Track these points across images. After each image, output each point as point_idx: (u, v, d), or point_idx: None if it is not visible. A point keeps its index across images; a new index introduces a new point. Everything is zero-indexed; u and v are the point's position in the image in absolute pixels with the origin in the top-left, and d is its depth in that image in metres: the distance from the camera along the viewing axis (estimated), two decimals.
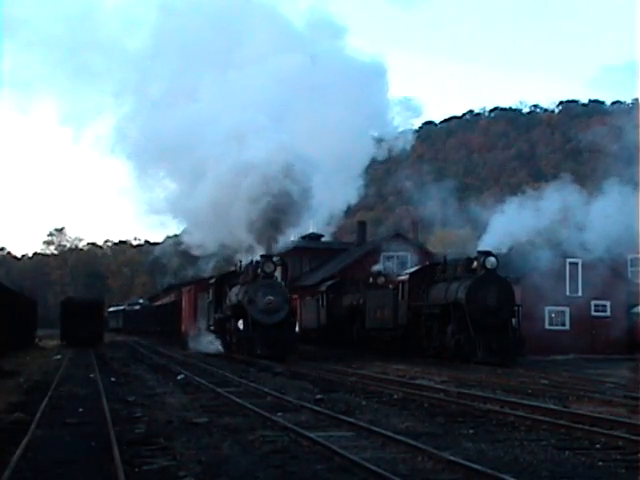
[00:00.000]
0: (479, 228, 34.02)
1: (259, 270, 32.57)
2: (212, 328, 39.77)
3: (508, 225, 31.55)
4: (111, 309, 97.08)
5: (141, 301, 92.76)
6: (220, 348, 36.97)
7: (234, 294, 34.63)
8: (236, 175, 33.19)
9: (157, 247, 48.21)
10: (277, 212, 32.48)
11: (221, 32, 38.47)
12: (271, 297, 31.74)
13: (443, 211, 45.45)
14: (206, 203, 35.46)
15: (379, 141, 40.73)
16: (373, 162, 42.84)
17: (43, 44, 40.92)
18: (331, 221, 42.82)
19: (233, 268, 38.79)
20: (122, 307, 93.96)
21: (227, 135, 34.34)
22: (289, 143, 33.16)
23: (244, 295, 32.64)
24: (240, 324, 32.68)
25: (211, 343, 38.40)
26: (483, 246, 31.32)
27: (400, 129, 42.65)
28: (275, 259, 33.22)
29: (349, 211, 50.18)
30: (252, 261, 33.78)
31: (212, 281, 40.86)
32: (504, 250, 32.26)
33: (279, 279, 33.60)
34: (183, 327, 51.69)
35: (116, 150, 41.99)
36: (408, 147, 43.41)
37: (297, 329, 33.64)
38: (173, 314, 56.52)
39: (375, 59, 43.49)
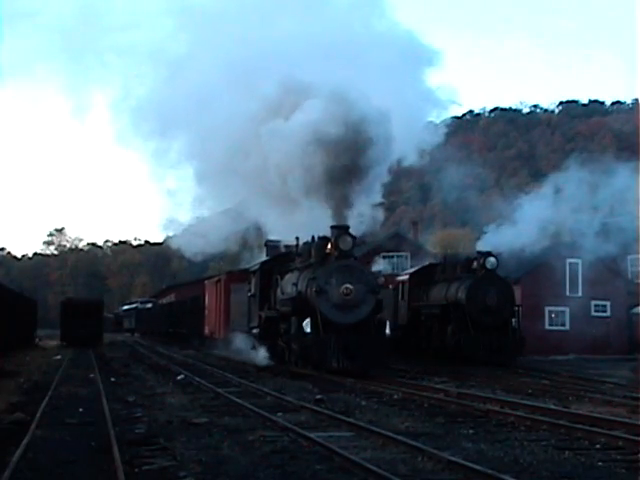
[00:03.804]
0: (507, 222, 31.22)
1: (329, 248, 24.00)
2: (255, 330, 29.50)
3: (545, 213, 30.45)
4: (125, 307, 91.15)
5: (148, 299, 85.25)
6: (266, 357, 27.40)
7: (290, 283, 25.39)
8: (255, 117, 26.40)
9: (173, 240, 42.90)
10: (351, 160, 23.53)
11: None
12: (349, 285, 23.04)
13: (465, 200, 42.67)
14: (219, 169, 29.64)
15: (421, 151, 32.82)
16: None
17: (43, 22, 37.96)
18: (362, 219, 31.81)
19: (283, 249, 30.55)
20: (135, 305, 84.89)
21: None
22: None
23: (309, 283, 23.80)
24: (306, 325, 23.33)
25: (254, 350, 28.79)
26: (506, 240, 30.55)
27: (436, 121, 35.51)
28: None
29: None
30: (313, 238, 25.26)
31: (255, 267, 30.74)
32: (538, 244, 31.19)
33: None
34: (207, 329, 43.21)
35: (128, 128, 35.21)
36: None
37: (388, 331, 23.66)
38: (194, 313, 48.27)
39: (431, 44, 36.70)
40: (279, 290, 26.79)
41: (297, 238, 26.70)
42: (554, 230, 31.84)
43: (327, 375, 22.09)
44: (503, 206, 34.49)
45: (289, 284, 25.51)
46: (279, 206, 29.32)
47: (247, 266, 34.27)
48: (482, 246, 31.31)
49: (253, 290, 30.32)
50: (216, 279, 43.09)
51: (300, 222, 27.39)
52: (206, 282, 47.25)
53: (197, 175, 34.49)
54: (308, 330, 23.21)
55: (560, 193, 31.80)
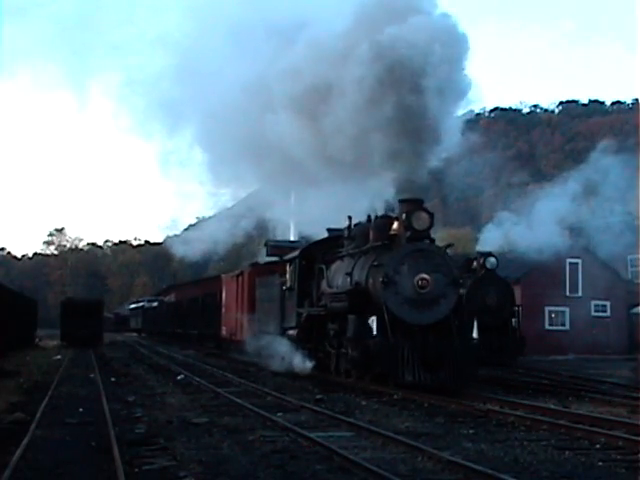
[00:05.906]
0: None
1: (395, 227, 19.06)
2: (292, 332, 24.30)
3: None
4: (131, 306, 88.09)
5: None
6: (307, 365, 22.70)
7: (341, 273, 20.82)
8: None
9: (178, 238, 41.05)
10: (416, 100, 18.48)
11: None
12: (425, 275, 18.18)
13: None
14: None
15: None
16: None
17: (44, 15, 36.66)
18: None
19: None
20: (142, 304, 79.44)
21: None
22: None
23: (370, 272, 19.10)
24: (372, 324, 18.33)
25: (294, 357, 23.34)
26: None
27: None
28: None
29: None
30: (370, 217, 20.74)
31: (292, 255, 25.32)
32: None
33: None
34: (224, 329, 38.58)
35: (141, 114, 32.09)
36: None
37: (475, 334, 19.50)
38: (208, 311, 43.88)
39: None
40: (324, 282, 22.06)
41: (350, 217, 21.58)
42: (582, 228, 31.00)
43: (327, 375, 21.98)
44: (510, 202, 34.18)
45: (340, 274, 20.91)
46: (311, 186, 25.33)
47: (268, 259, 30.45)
48: (488, 242, 31.11)
49: (289, 283, 24.92)
50: (236, 272, 37.32)
51: (324, 208, 24.10)
52: (223, 277, 41.82)
53: (210, 165, 31.72)
54: (375, 332, 18.34)
55: (585, 188, 31.14)
